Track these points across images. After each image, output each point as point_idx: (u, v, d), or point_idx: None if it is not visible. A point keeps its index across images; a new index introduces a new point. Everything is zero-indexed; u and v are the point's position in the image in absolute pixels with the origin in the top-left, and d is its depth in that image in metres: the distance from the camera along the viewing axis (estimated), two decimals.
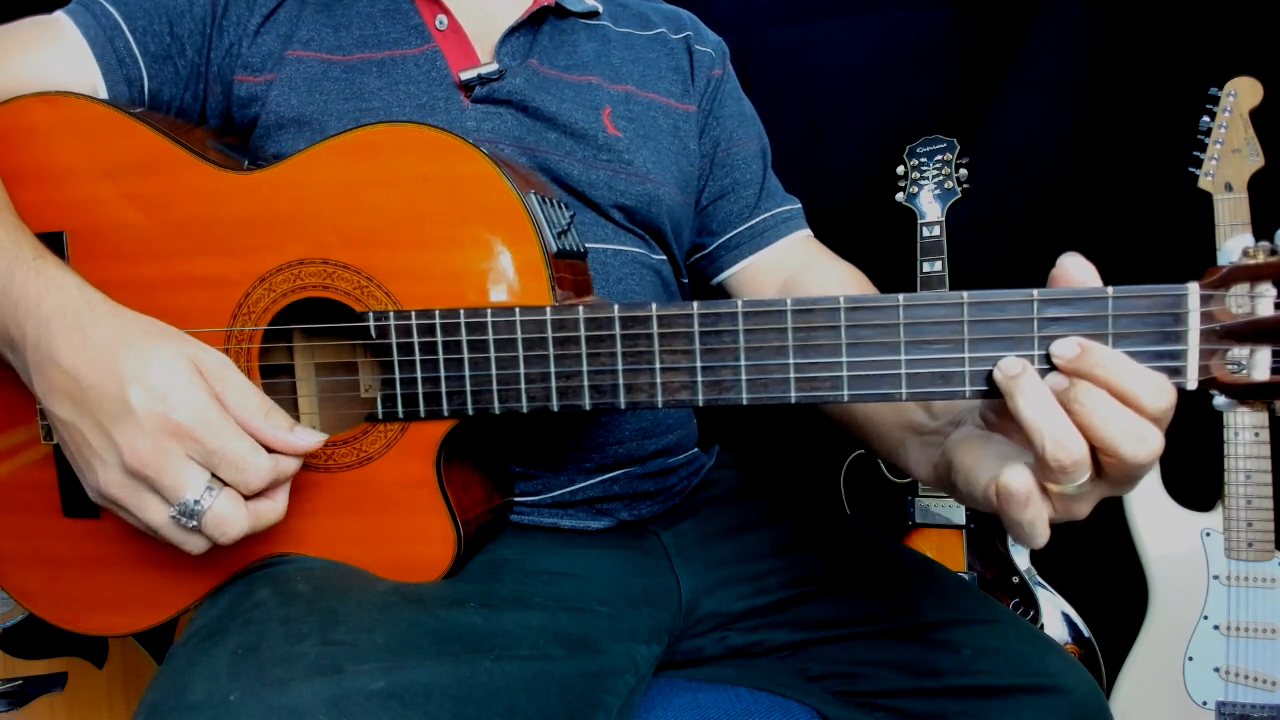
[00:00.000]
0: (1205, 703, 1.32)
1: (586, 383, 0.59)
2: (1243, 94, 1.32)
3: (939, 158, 1.52)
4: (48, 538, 0.70)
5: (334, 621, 0.57)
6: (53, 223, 0.66)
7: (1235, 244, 0.49)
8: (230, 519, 0.55)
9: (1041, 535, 0.50)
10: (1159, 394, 0.48)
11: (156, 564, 0.68)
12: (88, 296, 0.58)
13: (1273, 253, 0.48)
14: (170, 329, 0.59)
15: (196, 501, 0.54)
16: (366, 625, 0.58)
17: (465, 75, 0.77)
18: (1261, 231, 1.30)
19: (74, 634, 0.72)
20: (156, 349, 0.56)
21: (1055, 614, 1.44)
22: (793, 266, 0.91)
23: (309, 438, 0.58)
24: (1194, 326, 0.49)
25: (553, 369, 0.59)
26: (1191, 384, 0.50)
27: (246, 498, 0.57)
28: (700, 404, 0.57)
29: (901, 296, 0.53)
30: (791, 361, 0.55)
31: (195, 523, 0.55)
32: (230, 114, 0.78)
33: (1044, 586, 1.46)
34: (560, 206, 0.68)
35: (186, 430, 0.54)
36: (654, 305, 0.56)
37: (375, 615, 0.59)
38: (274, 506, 0.59)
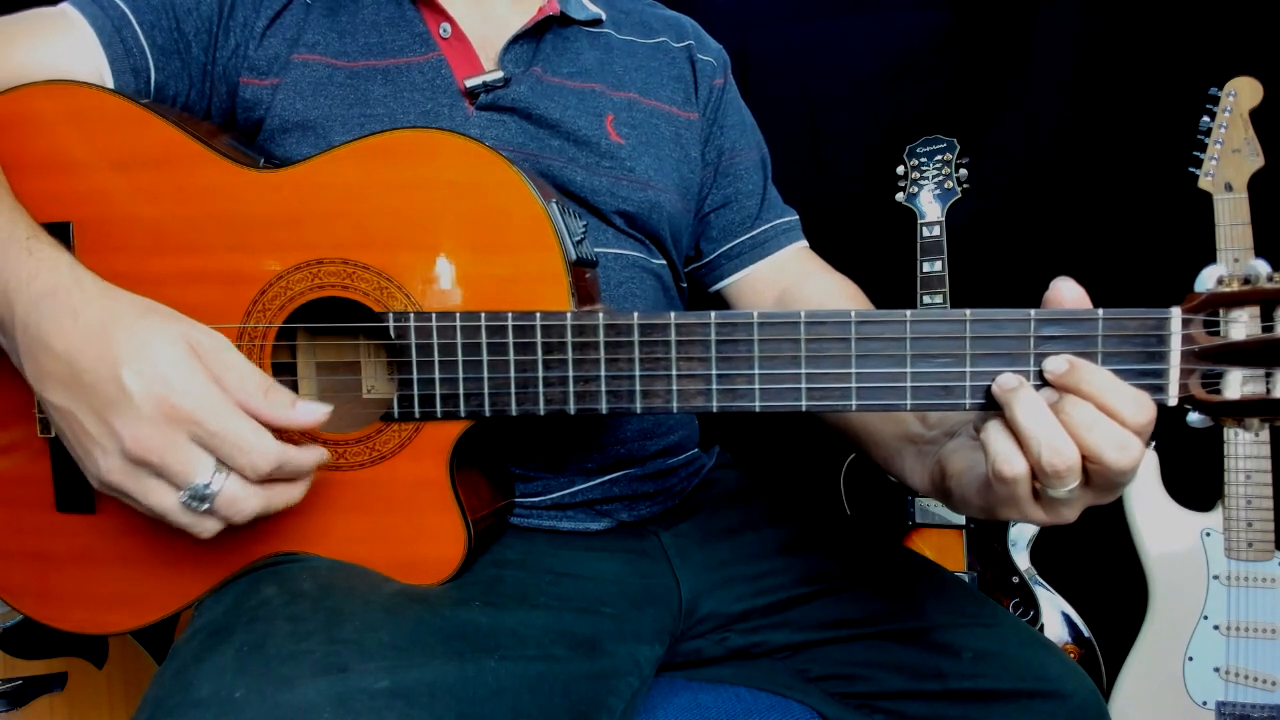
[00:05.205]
0: (1205, 703, 1.32)
1: (604, 388, 0.60)
2: (1243, 94, 1.32)
3: (939, 158, 1.52)
4: (39, 534, 0.69)
5: (339, 620, 0.57)
6: (58, 213, 0.65)
7: (1210, 272, 0.53)
8: (242, 497, 0.55)
9: (1018, 464, 0.51)
10: (1139, 409, 0.51)
11: (152, 562, 0.68)
12: (78, 276, 0.57)
13: (1245, 281, 0.52)
14: (164, 308, 0.58)
15: (206, 485, 0.54)
16: (372, 624, 0.58)
17: (470, 83, 0.78)
18: (1261, 232, 1.30)
19: (71, 633, 0.71)
20: (151, 329, 0.55)
21: (1055, 614, 1.44)
22: (790, 277, 0.92)
23: (312, 411, 0.57)
24: (1175, 348, 0.53)
25: (571, 373, 0.60)
26: (1172, 400, 0.54)
27: (254, 483, 0.56)
28: (714, 410, 0.59)
29: (909, 313, 0.55)
30: (803, 371, 0.57)
31: (207, 505, 0.54)
32: (235, 115, 0.78)
33: (1044, 586, 1.46)
34: (576, 216, 0.69)
35: (187, 414, 0.53)
36: (672, 314, 0.58)
37: (380, 614, 0.59)
38: (291, 491, 0.58)
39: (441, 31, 0.80)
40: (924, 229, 1.51)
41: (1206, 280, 0.53)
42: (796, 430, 1.65)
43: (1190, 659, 1.33)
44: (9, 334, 0.58)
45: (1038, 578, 1.47)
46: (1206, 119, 1.34)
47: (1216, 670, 1.32)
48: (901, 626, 0.74)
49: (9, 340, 0.59)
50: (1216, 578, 1.33)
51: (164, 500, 0.55)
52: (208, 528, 0.56)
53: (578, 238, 0.66)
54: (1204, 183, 1.34)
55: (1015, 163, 1.57)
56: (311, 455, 0.58)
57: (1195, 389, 0.53)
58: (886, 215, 1.57)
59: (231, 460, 0.54)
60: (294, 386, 0.73)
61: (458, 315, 0.61)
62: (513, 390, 0.61)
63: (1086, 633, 1.43)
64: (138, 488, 0.55)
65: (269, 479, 0.56)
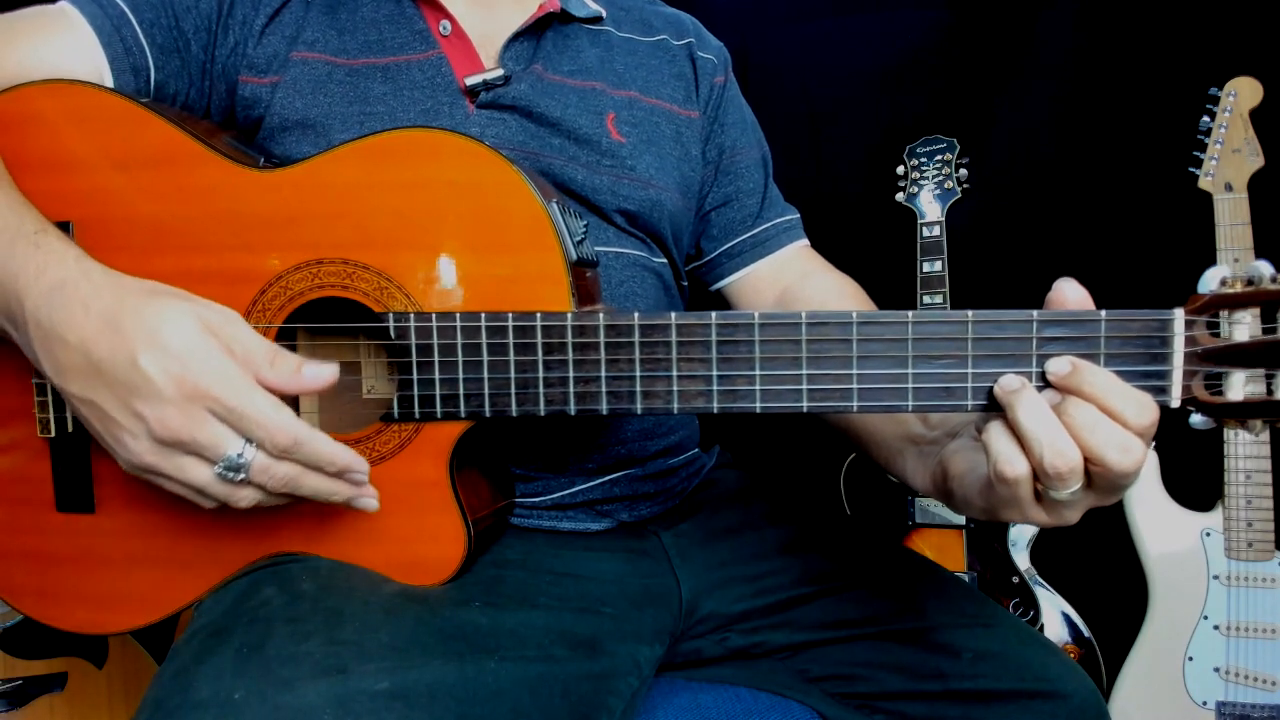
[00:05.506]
0: (1205, 703, 1.32)
1: (605, 389, 0.60)
2: (1243, 94, 1.32)
3: (939, 158, 1.52)
4: (39, 534, 0.69)
5: (339, 621, 0.57)
6: (58, 212, 0.65)
7: (1214, 274, 0.53)
8: (275, 462, 0.56)
9: (1020, 466, 0.51)
10: (1142, 411, 0.51)
11: (152, 562, 0.68)
12: (86, 268, 0.58)
13: (1249, 283, 0.52)
14: (170, 288, 0.58)
15: (239, 454, 0.54)
16: (371, 625, 0.58)
17: (471, 81, 0.77)
18: (1261, 232, 1.30)
19: (71, 633, 0.71)
20: (161, 311, 0.55)
21: (1055, 614, 1.44)
22: (792, 276, 0.92)
23: (318, 373, 0.57)
24: (1179, 349, 0.53)
25: (571, 374, 0.60)
26: (1175, 402, 0.54)
27: (276, 458, 0.56)
28: (715, 411, 0.59)
29: (911, 314, 0.55)
30: (805, 373, 0.57)
31: (243, 475, 0.55)
32: (234, 113, 0.78)
33: (1044, 586, 1.46)
34: (576, 216, 0.69)
35: (205, 390, 0.53)
36: (673, 315, 0.58)
37: (380, 615, 0.59)
38: (325, 482, 0.58)
39: (441, 29, 0.80)
40: (924, 229, 1.51)
41: (1210, 281, 0.53)
42: (796, 430, 1.65)
43: (1190, 659, 1.33)
44: (20, 327, 0.58)
45: (1038, 578, 1.47)
46: (1206, 119, 1.34)
47: (1216, 670, 1.32)
48: (902, 627, 0.74)
49: (20, 334, 0.59)
50: (1216, 578, 1.33)
51: (199, 475, 0.55)
52: (245, 496, 0.57)
53: (578, 238, 0.66)
54: (1204, 183, 1.34)
55: (1015, 163, 1.57)
56: (337, 451, 0.57)
57: (1198, 390, 0.53)
58: (886, 215, 1.57)
59: (250, 435, 0.55)
60: None
61: (458, 315, 0.61)
62: (513, 391, 0.61)
63: (1086, 633, 1.43)
64: (171, 467, 0.56)
65: (289, 457, 0.56)
